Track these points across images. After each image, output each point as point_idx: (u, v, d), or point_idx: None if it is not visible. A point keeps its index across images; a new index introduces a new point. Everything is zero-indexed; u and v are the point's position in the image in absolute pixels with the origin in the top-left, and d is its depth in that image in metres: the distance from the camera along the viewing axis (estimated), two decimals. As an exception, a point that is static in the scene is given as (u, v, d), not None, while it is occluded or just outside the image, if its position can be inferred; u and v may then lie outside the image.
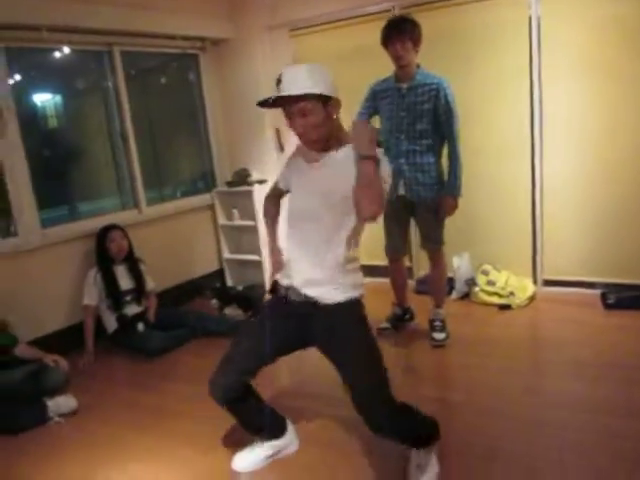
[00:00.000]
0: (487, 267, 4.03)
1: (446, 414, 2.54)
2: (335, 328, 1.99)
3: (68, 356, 3.30)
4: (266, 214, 2.39)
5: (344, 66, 4.35)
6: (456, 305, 3.98)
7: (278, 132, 4.79)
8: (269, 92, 5.14)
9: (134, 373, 3.42)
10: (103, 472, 2.41)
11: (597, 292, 3.82)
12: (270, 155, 4.83)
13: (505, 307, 3.79)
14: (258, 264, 4.72)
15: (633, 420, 2.41)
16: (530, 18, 3.72)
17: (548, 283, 4.05)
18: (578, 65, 3.70)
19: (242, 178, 4.75)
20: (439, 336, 3.36)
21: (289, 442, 2.39)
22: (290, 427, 2.40)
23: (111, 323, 3.71)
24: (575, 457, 2.21)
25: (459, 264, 4.10)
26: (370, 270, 4.51)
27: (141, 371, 3.42)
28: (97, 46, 4.03)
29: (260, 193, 4.62)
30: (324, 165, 1.98)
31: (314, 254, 1.99)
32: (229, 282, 4.99)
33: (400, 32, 3.02)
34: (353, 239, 2.00)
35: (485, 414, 2.58)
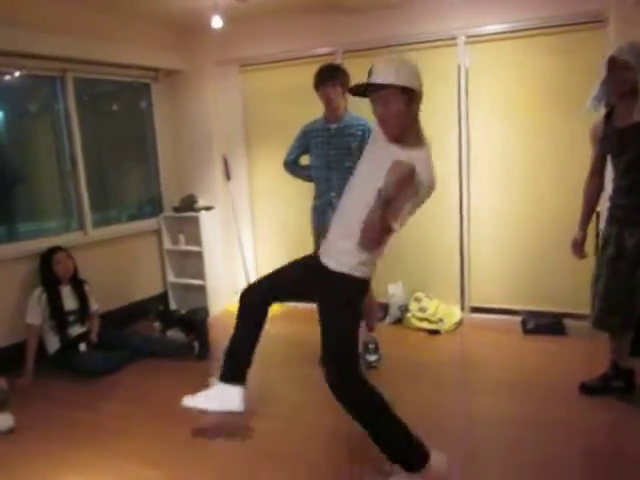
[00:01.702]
0: (419, 294, 4.31)
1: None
2: (330, 293, 2.26)
3: (8, 375, 3.31)
4: None
5: (290, 102, 4.63)
6: (390, 329, 4.22)
7: (226, 161, 4.98)
8: (219, 122, 5.39)
9: (74, 393, 3.44)
10: (41, 486, 2.45)
11: (518, 318, 4.15)
12: (217, 183, 5.00)
13: (434, 332, 4.07)
14: (202, 288, 4.84)
15: (541, 432, 2.68)
16: (459, 67, 4.11)
17: (474, 310, 4.37)
18: (501, 108, 4.11)
19: (189, 204, 4.89)
20: (372, 358, 3.57)
21: (236, 397, 2.57)
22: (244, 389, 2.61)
23: (53, 343, 3.73)
24: (485, 464, 2.45)
25: (393, 291, 4.36)
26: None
27: (81, 391, 3.45)
28: (50, 71, 4.13)
29: (206, 219, 4.78)
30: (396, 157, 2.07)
31: (343, 227, 2.26)
32: (172, 305, 5.06)
33: (332, 78, 3.33)
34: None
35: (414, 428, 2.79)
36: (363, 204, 2.09)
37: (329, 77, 3.34)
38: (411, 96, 2.10)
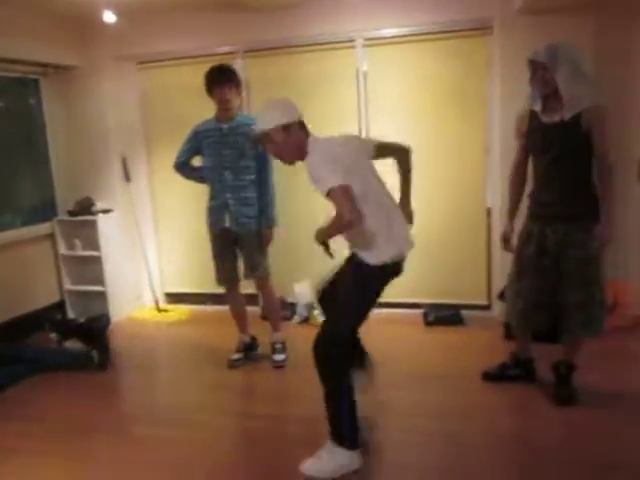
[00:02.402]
0: (325, 292, 4.35)
1: (278, 426, 2.79)
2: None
3: None
4: None
5: (191, 101, 4.53)
6: (297, 328, 4.25)
7: (125, 161, 4.78)
8: (116, 121, 5.17)
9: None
10: None
11: (420, 312, 4.32)
12: (116, 185, 4.80)
13: (341, 328, 4.12)
14: (102, 295, 4.62)
15: (445, 419, 2.81)
16: (357, 70, 4.21)
17: (379, 305, 4.46)
18: (399, 111, 4.25)
19: (85, 207, 4.65)
20: (279, 357, 3.59)
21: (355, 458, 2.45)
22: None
23: None
24: (391, 455, 2.53)
25: (300, 291, 4.39)
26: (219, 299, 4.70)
27: (-32, 411, 3.20)
28: None
29: (105, 223, 4.57)
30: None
31: None
32: (71, 314, 4.80)
33: (229, 79, 3.34)
34: None
35: (312, 422, 2.82)
36: None
37: (226, 78, 3.33)
38: (285, 128, 2.35)
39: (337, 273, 2.66)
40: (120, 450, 2.70)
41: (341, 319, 2.43)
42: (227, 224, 3.47)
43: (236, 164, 3.40)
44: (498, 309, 4.09)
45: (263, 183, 3.48)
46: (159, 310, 4.86)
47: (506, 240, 3.04)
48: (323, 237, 2.39)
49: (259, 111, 2.50)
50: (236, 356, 3.64)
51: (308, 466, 2.38)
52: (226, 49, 4.43)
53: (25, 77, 4.60)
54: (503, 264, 4.02)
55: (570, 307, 2.76)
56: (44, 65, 4.57)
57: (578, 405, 2.84)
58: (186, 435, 2.78)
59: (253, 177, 3.45)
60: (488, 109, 4.06)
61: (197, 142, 3.49)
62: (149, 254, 4.94)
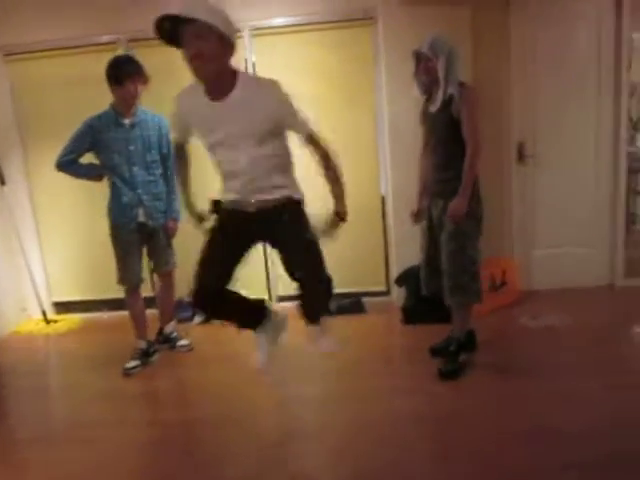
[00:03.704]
0: (227, 289, 4.26)
1: (181, 432, 2.68)
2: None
3: None
4: (180, 183, 2.65)
5: (72, 95, 4.26)
6: (197, 329, 4.12)
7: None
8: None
9: None
10: None
11: (322, 302, 4.33)
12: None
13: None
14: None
15: (354, 403, 2.84)
16: (246, 60, 4.12)
17: (281, 299, 4.46)
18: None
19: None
20: (184, 342, 3.70)
21: (281, 322, 2.63)
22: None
23: None
24: (303, 446, 2.51)
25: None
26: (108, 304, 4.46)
27: None
28: None
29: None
30: (230, 103, 2.16)
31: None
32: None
33: (138, 72, 3.20)
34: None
35: (217, 425, 2.75)
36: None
37: (136, 72, 3.20)
38: (224, 38, 2.15)
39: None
40: (6, 475, 2.47)
41: (321, 264, 2.41)
42: (142, 219, 3.36)
43: (144, 159, 3.31)
44: (396, 294, 4.19)
45: (170, 177, 3.44)
46: (47, 321, 4.51)
47: (412, 216, 3.20)
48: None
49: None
50: (132, 364, 3.43)
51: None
52: (107, 38, 4.17)
53: None
54: (399, 250, 4.14)
55: (444, 275, 2.97)
56: None
57: (464, 379, 2.99)
58: (83, 453, 2.58)
59: (161, 171, 3.42)
60: (376, 98, 4.13)
61: (92, 137, 3.25)
62: (32, 262, 4.56)
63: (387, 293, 4.41)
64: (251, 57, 4.12)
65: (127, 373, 3.38)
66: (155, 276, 3.73)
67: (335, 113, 4.19)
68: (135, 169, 3.30)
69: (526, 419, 2.57)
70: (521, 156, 4.14)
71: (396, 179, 4.03)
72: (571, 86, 4.06)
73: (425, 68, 2.86)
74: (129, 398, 3.14)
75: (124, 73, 3.17)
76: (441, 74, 2.80)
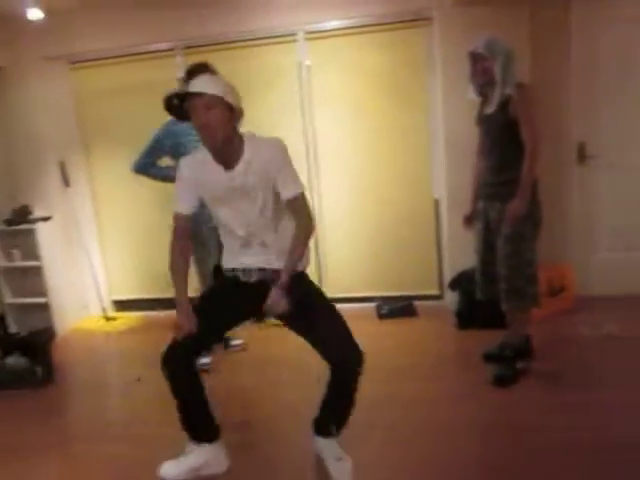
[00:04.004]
0: (279, 290, 4.30)
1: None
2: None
3: None
4: (173, 268, 2.29)
5: (130, 102, 4.41)
6: (248, 328, 4.16)
7: (63, 166, 4.58)
8: (51, 125, 4.91)
9: None
10: None
11: (373, 305, 4.32)
12: (54, 191, 4.59)
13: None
14: (45, 307, 4.42)
15: (402, 409, 2.82)
16: (300, 63, 4.16)
17: (334, 300, 4.44)
18: (344, 105, 4.23)
19: (22, 216, 4.43)
20: (237, 341, 3.74)
21: (219, 455, 2.37)
22: (220, 443, 2.38)
23: None
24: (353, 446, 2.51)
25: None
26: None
27: None
28: None
29: (44, 231, 4.37)
30: (241, 170, 2.15)
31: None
32: (12, 328, 4.57)
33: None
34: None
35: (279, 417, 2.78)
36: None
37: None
38: (233, 112, 2.18)
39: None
40: (57, 468, 2.59)
41: (349, 331, 2.27)
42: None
43: None
44: (449, 298, 4.13)
45: None
46: (107, 319, 4.69)
47: (464, 220, 3.18)
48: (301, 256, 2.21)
49: (209, 76, 2.27)
50: (205, 360, 3.39)
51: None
52: (165, 46, 4.30)
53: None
54: (453, 254, 4.08)
55: (500, 279, 2.91)
56: (-32, 66, 4.33)
57: (518, 387, 2.91)
58: (131, 450, 2.66)
59: None
60: (430, 100, 4.09)
61: (172, 140, 3.28)
62: (94, 261, 4.76)
63: (440, 297, 4.35)
64: (305, 61, 4.15)
65: (203, 369, 3.38)
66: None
67: (387, 115, 4.17)
68: None
69: (588, 431, 2.47)
70: (582, 157, 4.00)
71: (450, 181, 3.97)
72: (636, 86, 3.89)
73: (482, 69, 2.82)
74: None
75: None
76: (498, 74, 2.76)
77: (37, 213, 4.49)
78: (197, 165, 2.22)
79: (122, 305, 4.89)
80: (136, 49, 4.34)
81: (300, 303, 2.18)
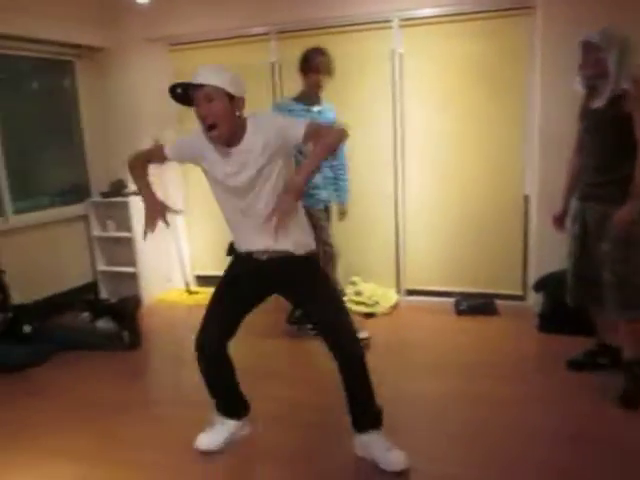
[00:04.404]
0: (355, 278, 4.32)
1: (294, 411, 2.74)
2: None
3: None
4: (132, 165, 2.51)
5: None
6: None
7: (157, 143, 4.78)
8: (148, 103, 5.11)
9: (-7, 389, 3.25)
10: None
11: (451, 300, 4.23)
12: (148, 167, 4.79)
13: (370, 315, 4.08)
14: (133, 276, 4.67)
15: (474, 407, 2.75)
16: (393, 52, 4.10)
17: (410, 293, 4.42)
18: (435, 95, 4.13)
19: (118, 189, 4.69)
20: (363, 334, 3.55)
21: (244, 426, 2.55)
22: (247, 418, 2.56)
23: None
24: (417, 442, 2.48)
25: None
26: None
27: (1, 387, 3.26)
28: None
29: (137, 204, 4.58)
30: (235, 156, 2.17)
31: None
32: (103, 295, 4.87)
33: (332, 63, 3.42)
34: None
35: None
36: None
37: (332, 64, 3.43)
38: (235, 100, 2.14)
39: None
40: (139, 428, 2.72)
41: (347, 316, 2.30)
42: (328, 203, 3.66)
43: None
44: (533, 299, 3.97)
45: (338, 165, 3.69)
46: (190, 292, 4.88)
47: (555, 220, 3.03)
48: (307, 176, 2.11)
49: (211, 66, 2.20)
50: (365, 334, 3.53)
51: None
52: (259, 30, 4.37)
53: (60, 59, 4.63)
54: (540, 254, 3.91)
55: (606, 288, 2.70)
56: (78, 46, 4.60)
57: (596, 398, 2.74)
58: (209, 416, 2.77)
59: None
60: (527, 93, 3.91)
61: None
62: (180, 236, 4.96)
63: (522, 298, 4.18)
64: (398, 48, 4.09)
65: (365, 342, 3.43)
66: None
67: (479, 107, 4.04)
68: None
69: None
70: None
71: (543, 178, 3.80)
72: None
73: (594, 60, 2.60)
74: (261, 375, 3.27)
75: (327, 64, 3.40)
76: (612, 67, 2.53)
77: (131, 187, 4.72)
78: (205, 142, 2.22)
79: (204, 280, 5.06)
80: (232, 33, 4.44)
81: (306, 287, 2.28)
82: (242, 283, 2.35)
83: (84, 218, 4.79)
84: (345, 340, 2.22)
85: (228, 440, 2.50)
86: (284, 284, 2.35)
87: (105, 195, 4.74)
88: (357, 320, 3.91)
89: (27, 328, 3.62)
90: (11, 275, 3.81)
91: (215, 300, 2.38)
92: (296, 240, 2.27)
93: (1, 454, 2.55)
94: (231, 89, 2.10)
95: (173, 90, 2.17)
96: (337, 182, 3.70)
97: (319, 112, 3.46)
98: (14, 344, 3.55)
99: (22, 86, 4.62)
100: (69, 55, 4.64)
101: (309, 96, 3.48)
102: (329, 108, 3.58)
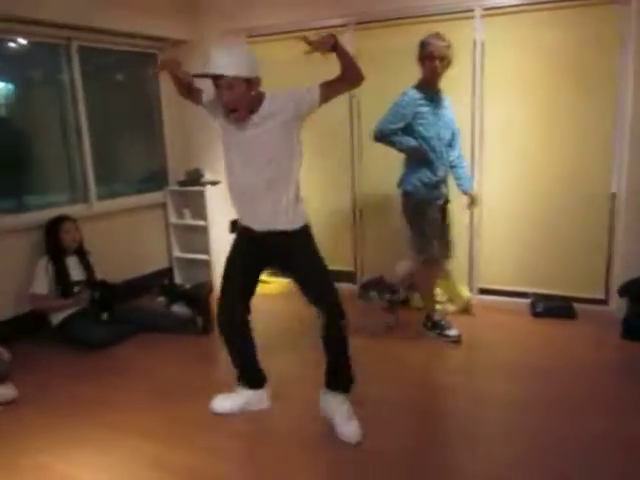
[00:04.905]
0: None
1: (389, 413, 2.72)
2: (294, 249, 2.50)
3: (11, 346, 3.29)
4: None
5: (298, 76, 4.50)
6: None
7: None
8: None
9: (77, 365, 3.43)
10: (41, 459, 2.44)
11: (526, 301, 4.07)
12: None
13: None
14: (207, 263, 4.79)
15: (549, 414, 2.64)
16: (475, 41, 3.97)
17: (483, 291, 4.29)
18: (516, 86, 3.97)
19: (195, 178, 4.82)
20: (453, 332, 3.60)
21: (261, 398, 2.76)
22: (266, 387, 2.80)
23: (57, 315, 3.70)
24: (492, 448, 2.40)
25: (401, 271, 4.27)
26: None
27: (84, 364, 3.44)
28: (54, 39, 4.04)
29: (212, 194, 4.70)
30: (252, 127, 2.35)
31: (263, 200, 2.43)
32: (178, 280, 5.03)
33: (448, 49, 3.29)
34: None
35: (417, 412, 2.76)
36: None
37: (449, 50, 3.31)
38: (251, 81, 2.31)
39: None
40: (203, 414, 2.76)
41: (333, 287, 2.51)
42: (446, 197, 3.54)
43: (445, 135, 3.41)
44: (616, 304, 3.76)
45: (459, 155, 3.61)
46: (262, 282, 4.95)
47: None
48: (335, 43, 2.26)
49: (228, 52, 2.38)
50: (454, 332, 3.57)
51: None
52: (337, 21, 4.35)
53: (144, 51, 4.80)
54: (627, 257, 3.70)
55: None
56: (161, 39, 4.75)
57: None
58: (280, 406, 2.81)
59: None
60: (619, 86, 3.68)
61: (414, 109, 3.30)
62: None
63: (604, 302, 3.97)
64: (480, 37, 3.95)
65: (456, 340, 3.52)
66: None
67: (564, 99, 3.85)
68: (441, 144, 3.37)
69: None
70: None
71: (633, 177, 3.59)
72: None
73: None
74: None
75: (443, 51, 3.29)
76: None
77: (207, 177, 4.85)
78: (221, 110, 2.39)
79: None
80: (310, 24, 4.43)
81: (299, 255, 2.48)
82: (246, 257, 2.56)
83: (162, 206, 4.97)
84: (329, 305, 2.44)
85: (243, 408, 2.72)
86: (280, 256, 2.53)
87: (182, 184, 4.88)
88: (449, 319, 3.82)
89: (105, 315, 3.79)
90: (94, 258, 4.00)
91: (227, 276, 2.61)
92: (291, 219, 2.45)
93: (80, 428, 2.68)
94: (248, 74, 2.24)
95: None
96: (457, 171, 3.57)
97: (439, 101, 3.39)
98: (96, 323, 3.74)
99: (107, 78, 4.82)
100: (153, 48, 4.81)
101: (428, 84, 3.35)
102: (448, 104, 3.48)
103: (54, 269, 3.71)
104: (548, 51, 3.85)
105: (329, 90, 2.37)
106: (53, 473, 2.35)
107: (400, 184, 3.46)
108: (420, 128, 3.30)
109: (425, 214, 3.38)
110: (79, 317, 3.71)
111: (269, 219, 2.44)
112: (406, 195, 3.42)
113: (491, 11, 3.92)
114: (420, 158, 3.32)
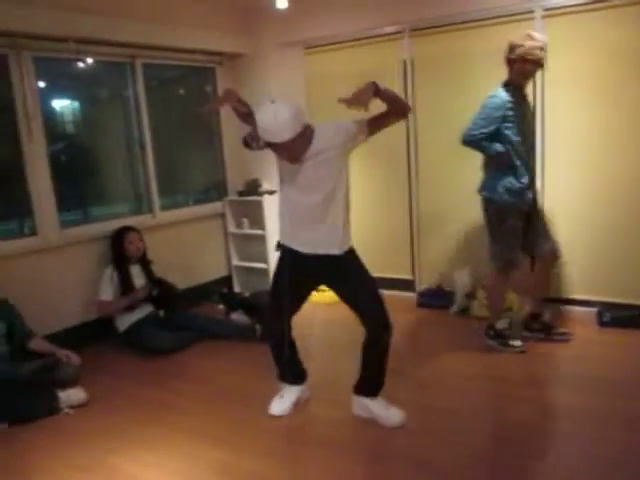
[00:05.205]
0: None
1: (437, 419, 2.68)
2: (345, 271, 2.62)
3: (80, 351, 3.44)
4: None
5: (350, 82, 4.52)
6: (455, 318, 4.09)
7: (289, 145, 4.94)
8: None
9: (142, 370, 3.55)
10: (110, 460, 2.54)
11: (592, 310, 3.91)
12: (281, 167, 4.98)
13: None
14: (265, 272, 4.86)
15: (618, 428, 2.52)
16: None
17: (546, 300, 4.14)
18: (581, 88, 3.83)
19: (253, 188, 4.91)
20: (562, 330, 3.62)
21: (305, 390, 2.97)
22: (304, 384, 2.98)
23: (123, 321, 3.86)
24: (560, 460, 2.32)
25: (460, 279, 4.20)
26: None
27: (149, 369, 3.56)
28: (120, 57, 4.24)
29: (270, 203, 4.78)
30: (304, 161, 2.47)
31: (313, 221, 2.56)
32: (236, 288, 5.13)
33: (540, 50, 3.19)
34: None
35: (475, 419, 2.70)
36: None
37: (540, 51, 3.18)
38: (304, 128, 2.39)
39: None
40: (278, 420, 2.81)
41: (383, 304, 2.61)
42: (532, 203, 3.39)
43: (532, 140, 3.36)
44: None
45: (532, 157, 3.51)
46: (317, 290, 4.97)
47: None
48: (378, 90, 2.36)
49: (282, 119, 2.33)
50: (518, 342, 3.49)
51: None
52: (391, 29, 4.35)
53: (203, 66, 4.95)
54: None
55: None
56: (220, 54, 4.89)
57: None
58: (338, 413, 2.81)
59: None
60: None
61: (504, 112, 3.19)
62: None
63: (679, 311, 3.76)
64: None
65: (522, 350, 3.44)
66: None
67: (636, 101, 3.67)
68: (526, 150, 3.29)
69: None
70: None
71: None
72: None
73: None
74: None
75: (538, 51, 3.18)
76: None
77: (265, 187, 4.93)
78: None
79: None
80: (365, 33, 4.46)
81: (350, 275, 2.59)
82: (294, 278, 2.61)
83: (221, 216, 5.09)
84: (378, 323, 2.55)
85: (295, 403, 2.88)
86: (328, 277, 2.66)
87: (241, 194, 4.99)
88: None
89: (161, 312, 3.95)
90: (156, 267, 4.14)
91: (274, 294, 2.71)
92: (340, 243, 2.56)
93: (147, 430, 2.78)
94: (300, 128, 2.33)
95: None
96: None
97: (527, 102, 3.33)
98: (160, 330, 3.86)
99: (169, 93, 5.01)
100: (213, 62, 4.95)
101: (515, 86, 3.25)
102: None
103: (119, 277, 3.87)
104: (614, 51, 3.70)
105: (377, 125, 2.50)
106: (122, 474, 2.44)
107: (481, 190, 3.37)
108: (508, 132, 3.19)
109: (504, 221, 3.28)
110: (144, 324, 3.85)
111: (319, 244, 2.56)
112: (487, 201, 3.34)
113: (552, 11, 3.82)
114: (506, 164, 3.22)
